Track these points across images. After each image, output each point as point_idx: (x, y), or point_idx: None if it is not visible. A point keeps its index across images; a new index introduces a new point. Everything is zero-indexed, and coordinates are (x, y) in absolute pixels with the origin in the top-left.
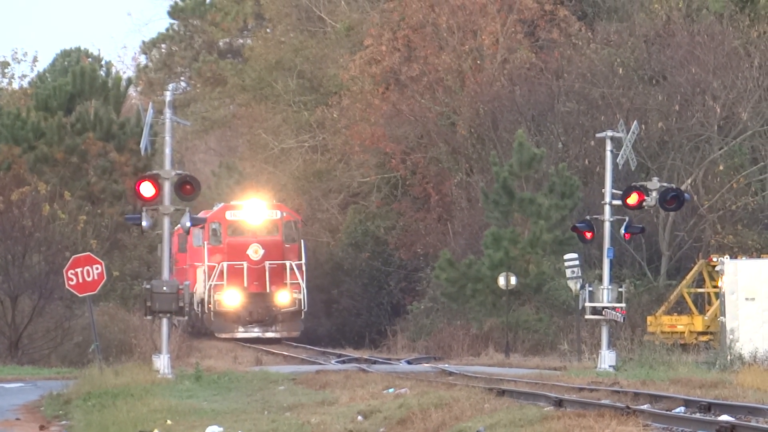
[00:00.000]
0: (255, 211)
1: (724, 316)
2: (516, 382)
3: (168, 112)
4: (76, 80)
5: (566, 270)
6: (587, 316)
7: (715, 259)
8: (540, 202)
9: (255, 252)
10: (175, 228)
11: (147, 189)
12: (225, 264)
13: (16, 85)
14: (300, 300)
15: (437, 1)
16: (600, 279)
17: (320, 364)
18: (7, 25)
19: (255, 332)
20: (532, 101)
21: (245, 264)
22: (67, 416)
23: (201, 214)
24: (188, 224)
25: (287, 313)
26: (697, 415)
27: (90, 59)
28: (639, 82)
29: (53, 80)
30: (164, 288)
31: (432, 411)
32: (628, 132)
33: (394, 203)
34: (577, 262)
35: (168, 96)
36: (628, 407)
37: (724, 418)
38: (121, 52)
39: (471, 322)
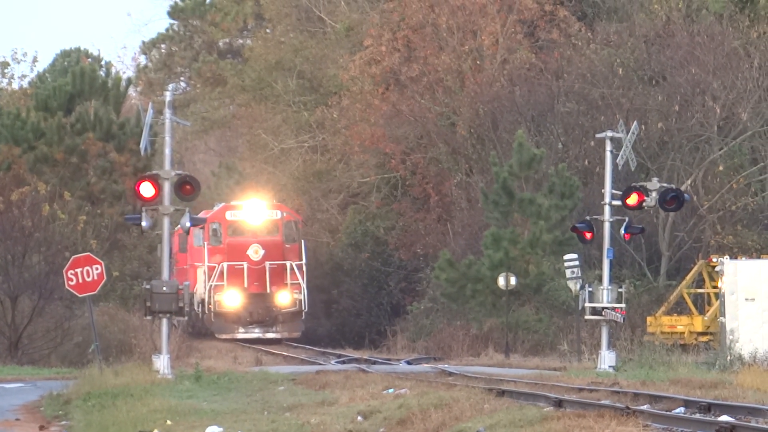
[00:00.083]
0: (255, 211)
1: (724, 317)
2: (516, 382)
3: (168, 113)
4: (76, 80)
5: (566, 270)
6: (587, 317)
7: (714, 260)
8: (540, 203)
9: (255, 252)
10: (175, 228)
11: (147, 189)
12: (225, 264)
13: (16, 86)
14: (300, 300)
15: (437, 2)
16: (600, 279)
17: (320, 364)
18: (7, 25)
19: (255, 333)
20: (531, 101)
21: (245, 264)
22: (67, 416)
23: (201, 215)
24: (188, 224)
25: (288, 313)
26: (697, 416)
27: (90, 59)
28: (639, 83)
29: (53, 80)
30: (164, 288)
31: (432, 411)
32: (627, 132)
33: (394, 203)
34: (576, 263)
35: (168, 96)
36: (627, 408)
37: (724, 418)
38: (121, 53)
39: (471, 323)
